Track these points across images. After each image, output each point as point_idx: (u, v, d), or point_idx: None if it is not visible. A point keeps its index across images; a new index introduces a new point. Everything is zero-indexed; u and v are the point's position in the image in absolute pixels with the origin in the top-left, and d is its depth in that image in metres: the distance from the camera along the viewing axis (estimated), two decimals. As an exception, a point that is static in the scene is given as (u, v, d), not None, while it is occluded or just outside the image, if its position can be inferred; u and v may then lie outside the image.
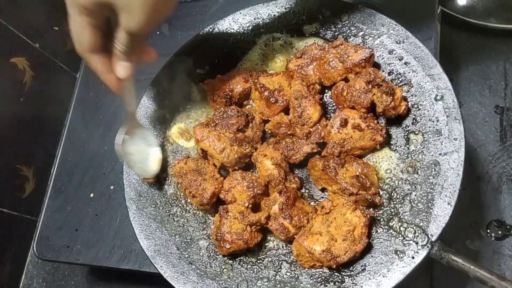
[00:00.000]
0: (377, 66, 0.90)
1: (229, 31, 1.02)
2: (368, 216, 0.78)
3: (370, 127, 0.83)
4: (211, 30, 1.02)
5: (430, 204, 0.77)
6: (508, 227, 1.07)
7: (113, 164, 1.11)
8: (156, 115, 0.99)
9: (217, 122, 0.90)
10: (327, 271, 0.80)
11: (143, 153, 0.91)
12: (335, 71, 0.89)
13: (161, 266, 0.85)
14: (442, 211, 0.75)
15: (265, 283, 0.82)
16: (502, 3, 1.22)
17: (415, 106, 0.85)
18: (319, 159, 0.84)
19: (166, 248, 0.87)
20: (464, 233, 1.08)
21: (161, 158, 0.93)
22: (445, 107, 0.81)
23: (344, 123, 0.84)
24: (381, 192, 0.82)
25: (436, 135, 0.81)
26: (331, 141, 0.85)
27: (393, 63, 0.89)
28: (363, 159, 0.85)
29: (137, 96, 0.90)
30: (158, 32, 1.21)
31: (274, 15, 1.00)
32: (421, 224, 0.76)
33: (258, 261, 0.85)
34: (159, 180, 0.94)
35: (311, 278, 0.80)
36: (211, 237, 0.88)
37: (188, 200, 0.92)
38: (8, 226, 1.18)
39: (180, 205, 0.92)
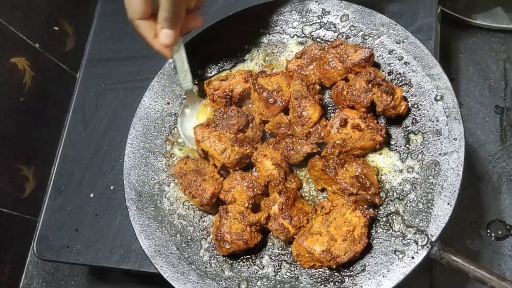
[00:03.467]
0: (377, 66, 0.90)
1: (229, 31, 1.02)
2: (368, 216, 0.78)
3: (370, 127, 0.83)
4: (211, 30, 1.02)
5: (430, 204, 0.77)
6: (508, 227, 1.07)
7: (113, 164, 1.11)
8: (156, 115, 0.99)
9: (217, 122, 0.90)
10: (327, 271, 0.80)
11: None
12: (335, 71, 0.89)
13: (161, 266, 0.85)
14: (442, 211, 0.75)
15: (265, 283, 0.82)
16: (502, 3, 1.22)
17: (415, 106, 0.85)
18: (319, 159, 0.84)
19: (166, 248, 0.87)
20: (464, 233, 1.08)
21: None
22: (445, 107, 0.81)
23: (344, 123, 0.84)
24: (381, 192, 0.82)
25: (436, 135, 0.81)
26: (331, 141, 0.85)
27: (393, 63, 0.89)
28: (363, 159, 0.86)
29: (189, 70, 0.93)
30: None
31: (274, 15, 1.00)
32: (421, 224, 0.76)
33: (258, 261, 0.85)
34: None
35: (311, 278, 0.81)
36: (211, 237, 0.88)
37: (188, 201, 0.92)
38: (8, 226, 1.18)
39: (180, 205, 0.92)
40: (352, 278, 0.77)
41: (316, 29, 0.98)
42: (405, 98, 0.85)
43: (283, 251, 0.85)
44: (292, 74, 0.93)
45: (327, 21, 0.97)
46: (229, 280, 0.83)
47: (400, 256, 0.75)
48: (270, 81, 0.91)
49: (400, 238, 0.77)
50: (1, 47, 1.13)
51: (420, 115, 0.84)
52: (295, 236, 0.80)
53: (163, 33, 0.79)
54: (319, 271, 0.81)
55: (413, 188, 0.80)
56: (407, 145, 0.84)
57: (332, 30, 0.96)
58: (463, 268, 0.71)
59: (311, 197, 0.88)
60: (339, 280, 0.78)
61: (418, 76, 0.86)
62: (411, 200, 0.79)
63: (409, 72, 0.87)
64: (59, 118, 1.30)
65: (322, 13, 0.97)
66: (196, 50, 1.02)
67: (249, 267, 0.84)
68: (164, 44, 0.80)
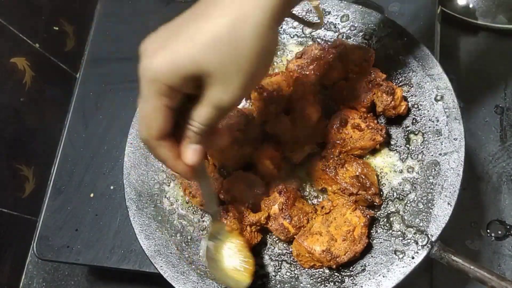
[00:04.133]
0: (377, 66, 0.90)
1: (229, 31, 1.02)
2: (368, 216, 0.78)
3: (370, 127, 0.83)
4: (211, 30, 1.02)
5: (430, 204, 0.77)
6: (508, 227, 1.07)
7: (113, 164, 1.11)
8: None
9: (217, 122, 0.90)
10: (327, 271, 0.80)
11: (232, 260, 0.76)
12: (335, 71, 0.89)
13: (161, 266, 0.85)
14: (442, 211, 0.75)
15: (265, 283, 0.82)
16: (502, 3, 1.22)
17: (415, 106, 0.85)
18: (319, 159, 0.84)
19: (166, 248, 0.87)
20: (464, 233, 1.08)
21: (254, 268, 0.76)
22: (445, 107, 0.81)
23: (344, 123, 0.84)
24: (381, 192, 0.82)
25: (436, 135, 0.81)
26: (331, 141, 0.85)
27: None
28: (363, 159, 0.86)
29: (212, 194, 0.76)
30: (158, 32, 1.21)
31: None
32: (421, 224, 0.76)
33: (258, 261, 0.85)
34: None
35: (311, 278, 0.81)
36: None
37: (188, 200, 0.92)
38: (8, 226, 1.18)
39: (180, 205, 0.92)
40: (352, 278, 0.77)
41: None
42: (405, 98, 0.85)
43: (283, 251, 0.85)
44: (292, 74, 0.93)
45: (327, 21, 0.97)
46: (229, 280, 0.83)
47: (400, 256, 0.75)
48: (270, 81, 0.91)
49: (400, 238, 0.77)
50: (1, 47, 1.13)
51: (420, 115, 0.84)
52: (295, 236, 0.80)
53: (192, 149, 0.63)
54: (319, 271, 0.81)
55: (413, 188, 0.80)
56: (407, 145, 0.84)
57: (332, 30, 0.96)
58: (463, 268, 0.71)
59: (311, 197, 0.88)
60: (339, 280, 0.78)
61: (418, 76, 0.86)
62: (411, 200, 0.79)
63: (409, 72, 0.87)
64: (59, 118, 1.30)
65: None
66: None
67: (249, 267, 0.84)
68: (190, 162, 0.63)
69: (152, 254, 0.86)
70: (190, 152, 0.63)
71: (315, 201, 0.88)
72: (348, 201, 0.79)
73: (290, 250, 0.83)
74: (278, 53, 1.00)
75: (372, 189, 0.79)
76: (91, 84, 1.22)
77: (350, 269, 0.78)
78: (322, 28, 0.97)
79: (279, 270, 0.83)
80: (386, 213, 0.81)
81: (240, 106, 0.96)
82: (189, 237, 0.89)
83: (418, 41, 0.87)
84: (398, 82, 0.88)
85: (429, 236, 0.74)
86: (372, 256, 0.78)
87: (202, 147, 0.64)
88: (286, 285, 0.81)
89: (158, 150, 0.62)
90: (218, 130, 0.69)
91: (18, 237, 1.22)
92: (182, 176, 0.68)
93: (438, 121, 0.82)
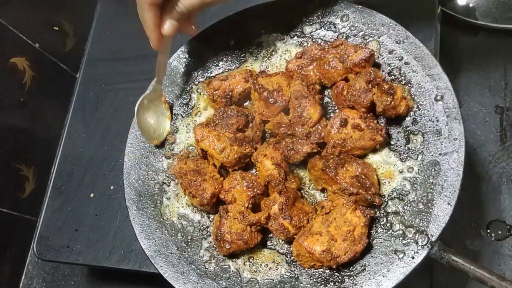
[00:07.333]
0: (377, 66, 0.90)
1: (229, 31, 1.02)
2: (368, 216, 0.78)
3: (370, 127, 0.83)
4: (212, 30, 1.02)
5: (430, 204, 0.77)
6: (508, 227, 1.07)
7: (113, 164, 1.11)
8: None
9: (217, 122, 0.90)
10: (327, 271, 0.80)
11: (156, 121, 0.98)
12: (335, 71, 0.89)
13: (161, 266, 0.85)
14: (442, 211, 0.75)
15: (265, 283, 0.82)
16: (502, 3, 1.22)
17: (415, 106, 0.85)
18: (319, 159, 0.84)
19: (166, 248, 0.87)
20: (464, 233, 1.08)
21: (169, 130, 0.98)
22: (445, 107, 0.81)
23: (344, 123, 0.84)
24: (380, 192, 0.82)
25: (436, 135, 0.81)
26: (331, 141, 0.85)
27: (393, 63, 0.89)
28: (363, 159, 0.86)
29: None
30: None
31: (274, 15, 1.00)
32: (421, 224, 0.76)
33: (258, 261, 0.85)
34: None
35: (311, 278, 0.81)
36: (211, 237, 0.88)
37: (188, 200, 0.92)
38: (8, 226, 1.18)
39: (180, 205, 0.92)
40: (352, 278, 0.77)
41: (316, 29, 0.98)
42: (405, 98, 0.85)
43: (283, 251, 0.85)
44: (292, 74, 0.93)
45: (327, 21, 0.97)
46: (229, 280, 0.83)
47: (400, 256, 0.75)
48: (270, 81, 0.91)
49: (400, 238, 0.77)
50: (1, 47, 1.13)
51: (420, 115, 0.84)
52: (295, 236, 0.80)
53: (170, 23, 0.82)
54: (319, 271, 0.81)
55: (413, 188, 0.80)
56: (407, 145, 0.84)
57: (332, 30, 0.96)
58: (463, 268, 0.71)
59: (311, 197, 0.88)
60: (339, 280, 0.78)
61: (418, 76, 0.86)
62: (411, 200, 0.79)
63: (409, 72, 0.87)
64: (59, 118, 1.30)
65: (322, 13, 0.97)
66: (196, 50, 1.02)
67: (249, 267, 0.84)
68: (166, 33, 0.83)
69: (152, 254, 0.86)
70: (169, 24, 0.82)
71: (315, 201, 0.88)
72: (348, 201, 0.79)
73: (290, 250, 0.83)
74: (278, 53, 1.00)
75: (372, 189, 0.79)
76: (91, 84, 1.22)
77: (350, 269, 0.78)
78: (322, 28, 0.97)
79: (279, 270, 0.83)
80: (386, 213, 0.81)
81: (240, 106, 0.96)
82: (189, 237, 0.89)
83: (418, 41, 0.87)
84: (398, 82, 0.88)
85: (429, 236, 0.75)
86: (372, 256, 0.78)
87: (179, 26, 0.83)
88: (286, 285, 0.81)
89: (145, 13, 0.80)
90: (192, 22, 0.88)
91: (18, 237, 1.22)
92: (151, 43, 0.85)
93: (438, 121, 0.82)
